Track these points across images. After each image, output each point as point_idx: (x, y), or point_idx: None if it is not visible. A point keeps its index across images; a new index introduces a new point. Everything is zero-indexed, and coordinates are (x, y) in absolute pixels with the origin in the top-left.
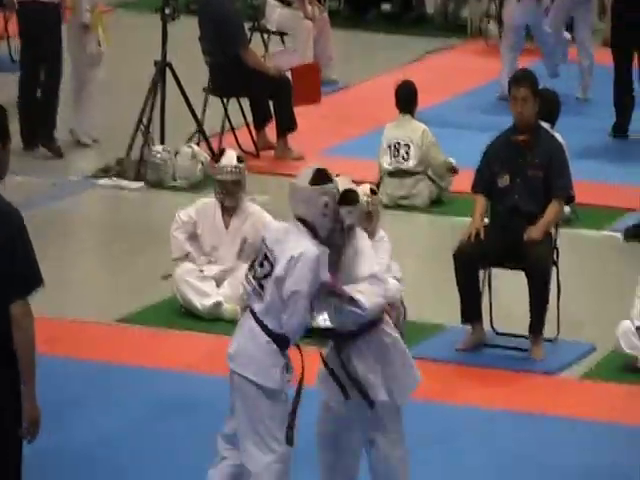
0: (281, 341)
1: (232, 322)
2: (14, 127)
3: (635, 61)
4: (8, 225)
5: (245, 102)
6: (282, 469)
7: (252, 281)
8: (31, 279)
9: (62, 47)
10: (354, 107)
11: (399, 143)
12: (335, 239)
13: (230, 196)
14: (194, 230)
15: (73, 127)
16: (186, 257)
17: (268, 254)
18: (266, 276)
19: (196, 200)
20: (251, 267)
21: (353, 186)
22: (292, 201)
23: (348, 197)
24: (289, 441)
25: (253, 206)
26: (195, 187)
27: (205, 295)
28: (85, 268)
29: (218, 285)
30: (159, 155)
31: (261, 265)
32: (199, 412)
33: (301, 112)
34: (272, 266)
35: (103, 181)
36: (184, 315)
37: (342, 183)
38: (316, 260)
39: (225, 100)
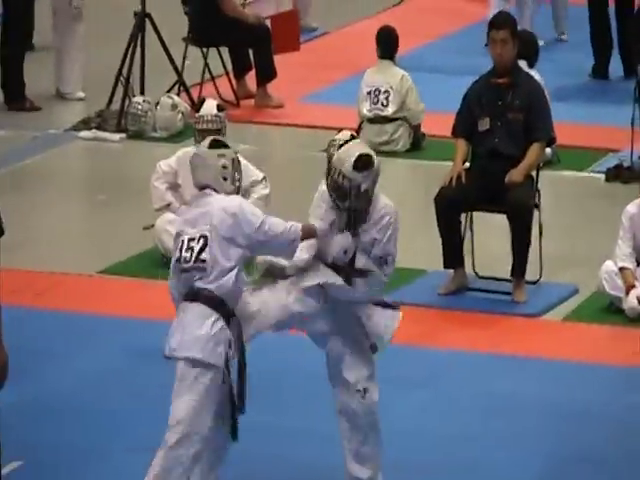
0: (223, 306)
1: None
2: None
3: None
4: None
5: (225, 51)
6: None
7: (186, 269)
8: None
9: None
10: (333, 54)
11: (379, 90)
12: (352, 203)
13: None
14: (175, 180)
15: (57, 83)
16: (167, 207)
17: (190, 235)
18: (202, 249)
19: (177, 150)
20: (177, 262)
21: (368, 150)
22: (193, 171)
23: (363, 161)
24: (234, 436)
25: None
26: (176, 137)
27: None
28: (66, 220)
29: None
30: (139, 106)
31: (189, 249)
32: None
33: (280, 60)
34: (204, 237)
35: (84, 133)
36: (165, 265)
37: (357, 147)
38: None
39: (205, 50)
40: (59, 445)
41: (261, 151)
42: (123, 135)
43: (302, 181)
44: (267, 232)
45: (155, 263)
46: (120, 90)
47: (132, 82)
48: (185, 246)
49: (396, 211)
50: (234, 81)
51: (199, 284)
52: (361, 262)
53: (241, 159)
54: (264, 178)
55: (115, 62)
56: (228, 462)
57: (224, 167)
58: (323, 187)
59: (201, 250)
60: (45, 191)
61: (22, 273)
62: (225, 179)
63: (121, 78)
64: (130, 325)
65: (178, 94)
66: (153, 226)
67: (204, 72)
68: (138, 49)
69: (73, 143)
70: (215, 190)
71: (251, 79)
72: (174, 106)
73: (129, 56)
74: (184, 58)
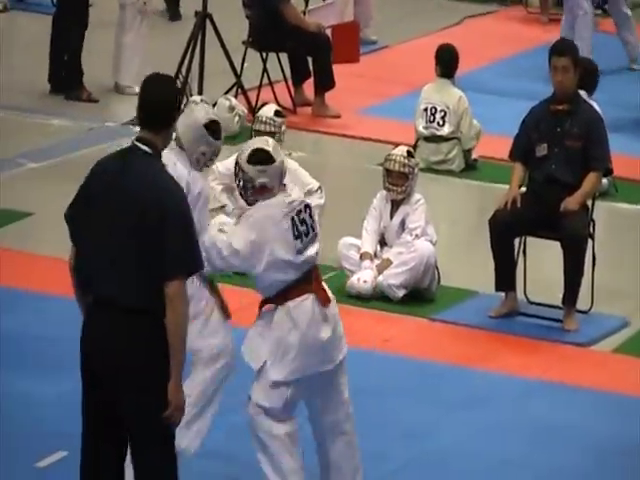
0: None
1: None
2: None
3: None
4: (169, 202)
5: (284, 57)
6: None
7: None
8: (189, 261)
9: None
10: (392, 68)
11: (435, 108)
12: (247, 198)
13: None
14: (231, 182)
15: (116, 77)
16: (221, 209)
17: None
18: None
19: (233, 152)
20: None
21: (268, 147)
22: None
23: (257, 156)
24: None
25: (291, 162)
26: (232, 139)
27: None
28: None
29: None
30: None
31: None
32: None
33: (339, 70)
34: None
35: (140, 128)
36: None
37: (258, 142)
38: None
39: (264, 54)
40: None
41: (316, 160)
42: None
43: (357, 193)
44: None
45: None
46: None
47: (190, 81)
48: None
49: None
50: (292, 88)
51: None
52: None
53: (297, 167)
54: (319, 187)
55: (174, 60)
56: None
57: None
58: (375, 200)
59: None
60: None
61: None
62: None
63: (179, 77)
64: None
65: (236, 96)
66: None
67: (262, 76)
68: (197, 49)
69: (128, 137)
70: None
71: (309, 87)
72: (231, 108)
73: (188, 55)
74: (243, 61)
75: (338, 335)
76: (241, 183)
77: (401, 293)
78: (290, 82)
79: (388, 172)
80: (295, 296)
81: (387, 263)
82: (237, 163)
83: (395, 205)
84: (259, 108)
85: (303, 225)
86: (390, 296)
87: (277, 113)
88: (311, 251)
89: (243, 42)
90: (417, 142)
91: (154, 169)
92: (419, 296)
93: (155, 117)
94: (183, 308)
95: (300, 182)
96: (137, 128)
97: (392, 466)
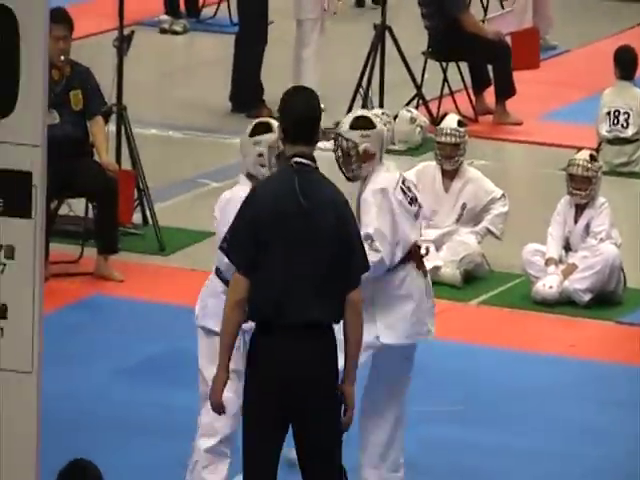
0: None
1: (450, 286)
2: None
3: None
4: (348, 214)
5: (464, 66)
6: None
7: None
8: (367, 265)
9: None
10: (573, 72)
11: (618, 111)
12: (349, 167)
13: (449, 159)
14: None
15: None
16: None
17: None
18: None
19: (415, 164)
20: None
21: (368, 114)
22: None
23: (360, 121)
24: None
25: (474, 171)
26: (414, 150)
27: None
28: None
29: (437, 249)
30: (378, 119)
31: None
32: (417, 374)
33: (520, 77)
34: None
35: (322, 144)
36: None
37: (358, 112)
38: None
39: (444, 64)
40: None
41: (499, 168)
42: None
43: (540, 199)
44: None
45: None
46: (359, 102)
47: (371, 94)
48: None
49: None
50: (473, 97)
51: None
52: None
53: (480, 175)
54: (503, 195)
55: (354, 74)
56: None
57: (259, 155)
58: (559, 206)
59: None
60: None
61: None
62: (262, 166)
63: (360, 90)
64: None
65: (417, 107)
66: None
67: (443, 86)
68: (377, 61)
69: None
70: (254, 176)
71: (490, 95)
72: (413, 119)
73: (368, 68)
74: (423, 72)
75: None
76: (341, 153)
77: (587, 297)
78: (471, 91)
79: (571, 177)
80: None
81: (572, 268)
82: (338, 135)
83: (579, 209)
84: (441, 119)
85: (410, 191)
86: (576, 301)
87: (460, 123)
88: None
89: (423, 53)
90: (600, 145)
91: (325, 183)
92: (605, 299)
93: (312, 130)
94: (362, 311)
95: (483, 190)
96: (320, 144)
97: (580, 469)
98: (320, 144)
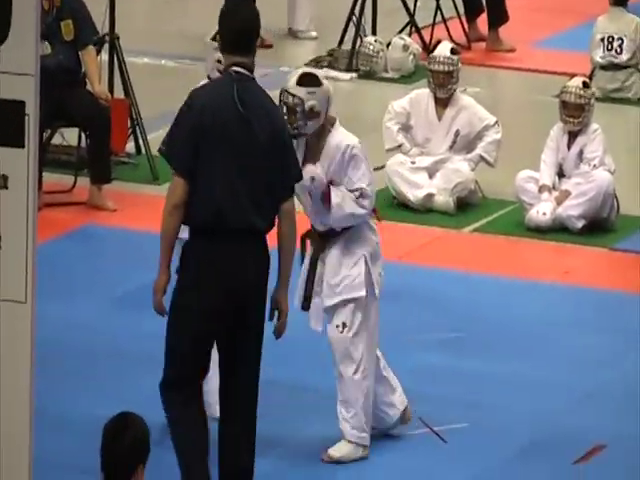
0: None
1: (444, 213)
2: None
3: None
4: (284, 124)
5: None
6: None
7: None
8: (299, 174)
9: None
10: None
11: (612, 37)
12: (299, 123)
13: (442, 87)
14: (407, 121)
15: (290, 22)
16: (398, 148)
17: None
18: None
19: (408, 92)
20: None
21: (316, 71)
22: None
23: (306, 78)
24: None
25: (467, 98)
26: (407, 78)
27: (417, 186)
28: None
29: (430, 176)
30: (371, 46)
31: None
32: (409, 302)
33: (513, 4)
34: None
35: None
36: (396, 206)
37: (305, 69)
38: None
39: None
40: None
41: (492, 95)
42: (354, 74)
43: (534, 126)
44: None
45: (386, 203)
46: (352, 30)
47: (364, 22)
48: None
49: (354, 144)
50: (466, 24)
51: None
52: (338, 197)
53: (473, 102)
54: (496, 122)
55: (346, 1)
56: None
57: (218, 61)
58: (552, 132)
59: None
60: None
61: None
62: (220, 72)
63: (353, 18)
64: None
65: (409, 35)
66: (384, 167)
67: (436, 14)
68: None
69: None
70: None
71: (483, 22)
72: (406, 47)
73: None
74: None
75: None
76: (286, 109)
77: (580, 224)
78: (463, 18)
79: (564, 104)
80: None
81: (566, 194)
82: (283, 90)
83: (572, 136)
84: (434, 46)
85: None
86: (569, 227)
87: (452, 51)
88: None
89: None
90: (593, 72)
91: (262, 93)
92: (599, 226)
93: (249, 41)
94: (295, 220)
95: (476, 117)
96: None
97: (579, 395)
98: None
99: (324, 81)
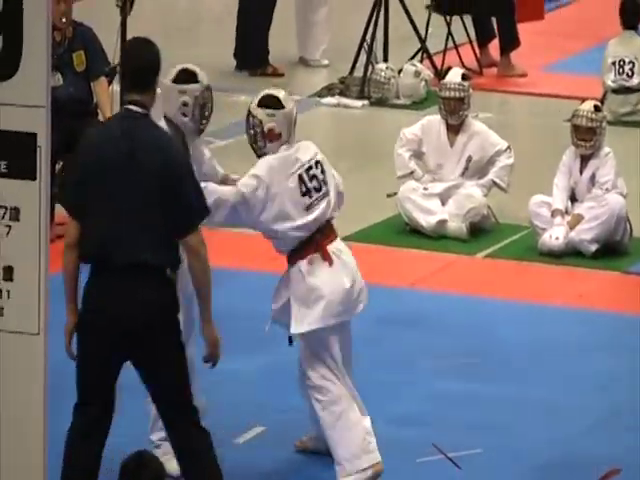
0: None
1: (457, 239)
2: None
3: None
4: (178, 158)
5: (468, 20)
6: None
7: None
8: (203, 208)
9: None
10: (576, 23)
11: (623, 60)
12: (255, 144)
13: (454, 114)
14: (419, 148)
15: (301, 50)
16: (410, 175)
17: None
18: None
19: (419, 118)
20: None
21: (277, 93)
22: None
23: (267, 100)
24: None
25: (479, 124)
26: (419, 105)
27: (430, 213)
28: None
29: (443, 203)
30: (382, 73)
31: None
32: (422, 328)
33: (524, 28)
34: None
35: (327, 99)
36: (409, 233)
37: (269, 90)
38: None
39: (448, 18)
40: (301, 409)
41: (504, 120)
42: (366, 102)
43: (546, 150)
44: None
45: (399, 230)
46: (363, 57)
47: (375, 49)
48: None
49: None
50: (477, 49)
51: None
52: None
53: (484, 128)
54: (508, 147)
55: (357, 29)
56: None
57: (184, 105)
58: (564, 157)
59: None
60: None
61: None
62: (185, 115)
63: (364, 45)
64: (374, 292)
65: (421, 61)
66: (396, 193)
67: (447, 40)
68: (381, 16)
69: (316, 109)
70: (177, 125)
71: (494, 48)
72: (417, 73)
73: (372, 23)
74: (427, 25)
75: (358, 286)
76: (251, 131)
77: (594, 247)
78: (475, 44)
79: (576, 128)
80: (306, 254)
81: (578, 218)
82: (248, 111)
83: (584, 160)
84: (445, 72)
85: (313, 181)
86: (583, 251)
87: (464, 77)
88: (322, 207)
89: (427, 6)
90: (605, 96)
91: (152, 128)
92: (612, 250)
93: (144, 79)
94: (206, 254)
95: (488, 143)
96: (324, 99)
97: (593, 418)
98: (324, 99)
99: (287, 103)
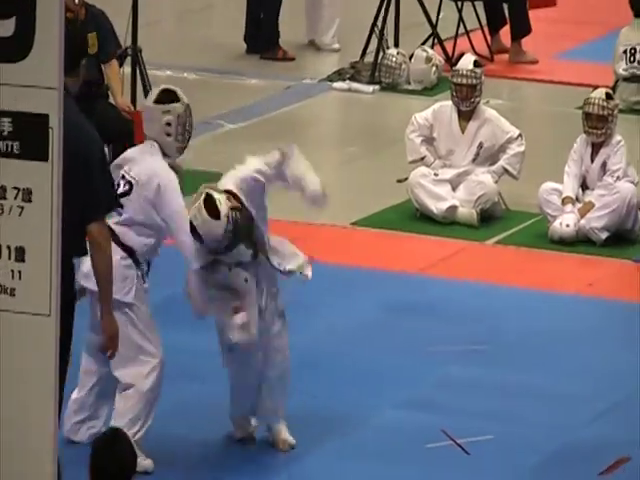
0: (135, 258)
1: (467, 226)
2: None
3: None
4: (89, 144)
5: (480, 6)
6: (156, 377)
7: None
8: (110, 199)
9: None
10: (589, 10)
11: (635, 49)
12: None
13: (466, 100)
14: (430, 133)
15: (312, 34)
16: (421, 160)
17: (125, 174)
18: (123, 195)
19: (430, 104)
20: None
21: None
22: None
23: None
24: None
25: (490, 111)
26: (429, 90)
27: (440, 199)
28: (318, 170)
29: (453, 189)
30: (393, 58)
31: (117, 185)
32: (431, 314)
33: (535, 15)
34: (130, 185)
35: (338, 84)
36: (419, 219)
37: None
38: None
39: (459, 4)
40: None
41: (515, 107)
42: (377, 87)
43: (557, 138)
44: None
45: (409, 216)
46: (374, 42)
47: (386, 34)
48: (117, 180)
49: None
50: (488, 36)
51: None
52: None
53: (496, 115)
54: (519, 135)
55: (369, 13)
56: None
57: (168, 124)
58: (576, 144)
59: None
60: (297, 141)
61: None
62: (169, 135)
63: (375, 30)
64: (384, 278)
65: (432, 47)
66: (407, 179)
67: (458, 26)
68: (393, 1)
69: (327, 94)
70: (160, 145)
71: (505, 34)
72: (428, 59)
73: (384, 8)
74: (439, 11)
75: None
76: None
77: (604, 236)
78: (486, 30)
79: (587, 115)
80: None
81: (589, 206)
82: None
83: (596, 148)
84: (457, 58)
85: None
86: (593, 239)
87: (476, 64)
88: None
89: None
90: (616, 83)
91: (75, 111)
92: (622, 238)
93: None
94: (109, 247)
95: (500, 130)
96: (335, 84)
97: (602, 406)
98: (335, 84)
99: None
